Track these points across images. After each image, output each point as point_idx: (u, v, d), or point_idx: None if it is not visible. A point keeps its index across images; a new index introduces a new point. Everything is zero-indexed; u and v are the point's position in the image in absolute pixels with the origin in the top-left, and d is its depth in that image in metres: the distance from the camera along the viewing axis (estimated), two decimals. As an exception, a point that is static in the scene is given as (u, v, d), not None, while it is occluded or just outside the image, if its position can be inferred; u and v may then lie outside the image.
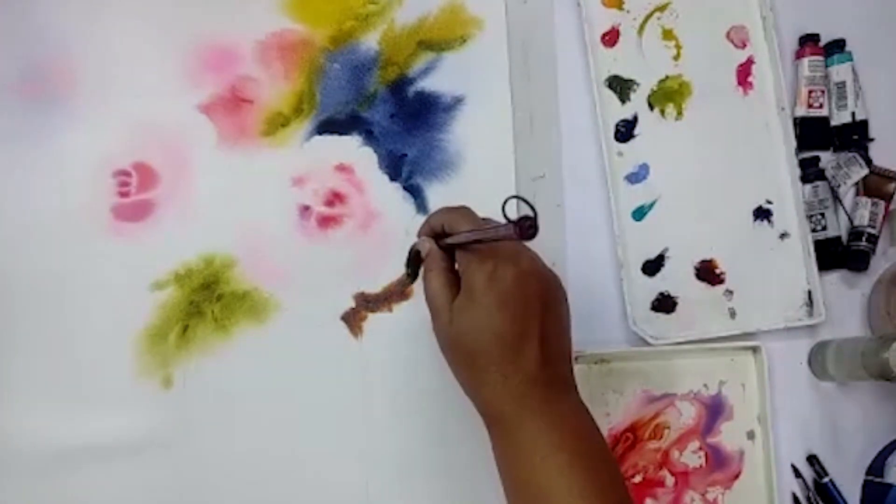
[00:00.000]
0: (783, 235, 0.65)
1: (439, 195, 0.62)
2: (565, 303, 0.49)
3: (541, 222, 0.39)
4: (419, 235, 0.52)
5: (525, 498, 0.45)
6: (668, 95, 0.66)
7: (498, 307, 0.45)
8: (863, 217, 0.64)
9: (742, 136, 0.66)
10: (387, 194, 0.62)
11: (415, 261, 0.53)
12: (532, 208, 0.40)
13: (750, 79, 0.66)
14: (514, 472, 0.45)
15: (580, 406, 0.47)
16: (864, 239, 0.64)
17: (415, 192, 0.63)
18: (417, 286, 0.61)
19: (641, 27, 0.67)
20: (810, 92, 0.66)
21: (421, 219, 0.61)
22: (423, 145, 0.63)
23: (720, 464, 0.62)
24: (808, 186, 0.65)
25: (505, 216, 0.42)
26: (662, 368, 0.63)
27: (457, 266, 0.49)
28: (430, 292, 0.48)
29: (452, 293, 0.47)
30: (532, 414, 0.45)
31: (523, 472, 0.45)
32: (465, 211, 0.49)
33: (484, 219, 0.49)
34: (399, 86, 0.64)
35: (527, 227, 0.39)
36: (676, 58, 0.66)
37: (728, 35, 0.67)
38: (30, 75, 0.62)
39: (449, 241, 0.49)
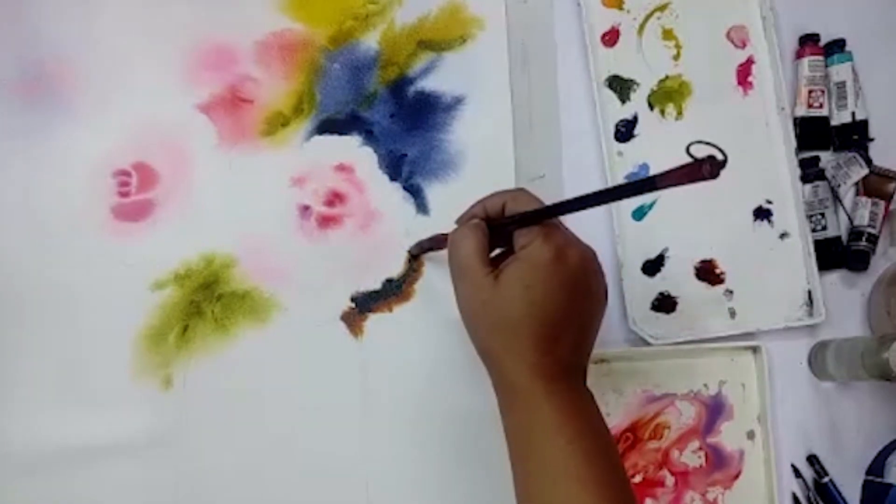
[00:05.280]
0: (783, 235, 0.65)
1: (439, 195, 0.62)
2: (605, 306, 0.50)
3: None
4: (463, 219, 0.51)
5: (544, 475, 0.45)
6: (668, 95, 0.66)
7: (557, 285, 0.45)
8: (863, 217, 0.64)
9: (742, 136, 0.66)
10: (387, 194, 0.62)
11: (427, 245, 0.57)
12: (722, 152, 0.38)
13: (750, 79, 0.66)
14: (533, 448, 0.46)
15: (592, 397, 0.48)
16: (864, 239, 0.64)
17: (415, 192, 0.63)
18: (419, 289, 0.62)
19: (641, 27, 0.67)
20: (810, 92, 0.66)
21: (421, 219, 0.62)
22: (423, 145, 0.63)
23: (720, 464, 0.62)
24: (808, 186, 0.65)
25: (690, 155, 0.40)
26: (662, 368, 0.63)
27: (516, 241, 0.48)
28: (466, 252, 0.47)
29: (487, 259, 0.47)
30: (560, 396, 0.45)
31: (546, 451, 0.45)
32: (528, 193, 0.50)
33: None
34: (399, 86, 0.64)
35: (719, 163, 0.37)
36: (676, 58, 0.66)
37: (728, 35, 0.67)
38: (30, 75, 0.62)
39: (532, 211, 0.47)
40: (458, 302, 0.49)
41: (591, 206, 0.44)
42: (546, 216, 0.47)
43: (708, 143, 0.39)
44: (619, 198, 0.44)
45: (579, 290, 0.46)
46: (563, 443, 0.44)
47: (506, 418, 0.47)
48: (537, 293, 0.45)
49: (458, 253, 0.48)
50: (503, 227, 0.49)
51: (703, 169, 0.38)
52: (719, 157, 0.38)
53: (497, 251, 0.50)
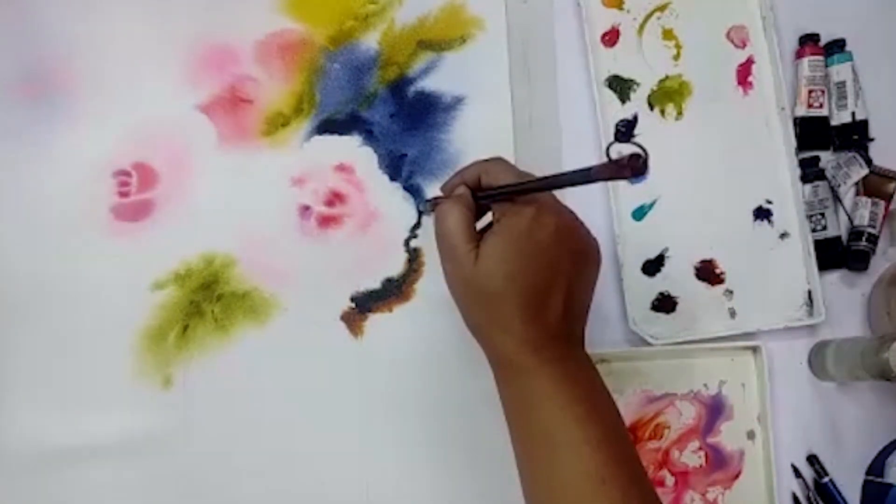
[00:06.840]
0: (783, 235, 0.65)
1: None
2: (597, 266, 0.49)
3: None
4: (445, 187, 0.51)
5: (540, 445, 0.45)
6: (668, 95, 0.66)
7: (535, 254, 0.45)
8: (863, 217, 0.64)
9: (742, 136, 0.66)
10: (387, 194, 0.62)
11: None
12: (642, 149, 0.40)
13: (750, 79, 0.66)
14: (528, 419, 0.46)
15: (591, 363, 0.48)
16: (864, 239, 0.64)
17: (415, 192, 0.63)
18: (419, 289, 0.62)
19: (641, 27, 0.67)
20: (810, 92, 0.66)
21: (421, 218, 0.62)
22: (423, 145, 0.63)
23: (720, 464, 0.62)
24: (808, 186, 0.65)
25: (609, 157, 0.42)
26: (662, 368, 0.63)
27: (493, 214, 0.48)
28: (449, 228, 0.47)
29: (471, 234, 0.47)
30: (550, 364, 0.45)
31: (540, 421, 0.45)
32: (503, 162, 0.49)
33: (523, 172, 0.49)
34: (399, 86, 0.64)
35: (640, 163, 0.39)
36: (676, 58, 0.66)
37: (728, 35, 0.67)
38: (30, 75, 0.62)
39: (495, 189, 0.48)
40: (445, 279, 0.48)
41: (552, 189, 0.46)
42: (515, 193, 0.47)
43: (633, 143, 0.41)
44: (561, 186, 0.46)
45: (559, 256, 0.46)
46: (555, 410, 0.44)
47: (501, 392, 0.48)
48: (515, 266, 0.45)
49: (441, 230, 0.48)
50: (481, 200, 0.49)
51: (625, 170, 0.41)
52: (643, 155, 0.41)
53: (486, 220, 0.50)
